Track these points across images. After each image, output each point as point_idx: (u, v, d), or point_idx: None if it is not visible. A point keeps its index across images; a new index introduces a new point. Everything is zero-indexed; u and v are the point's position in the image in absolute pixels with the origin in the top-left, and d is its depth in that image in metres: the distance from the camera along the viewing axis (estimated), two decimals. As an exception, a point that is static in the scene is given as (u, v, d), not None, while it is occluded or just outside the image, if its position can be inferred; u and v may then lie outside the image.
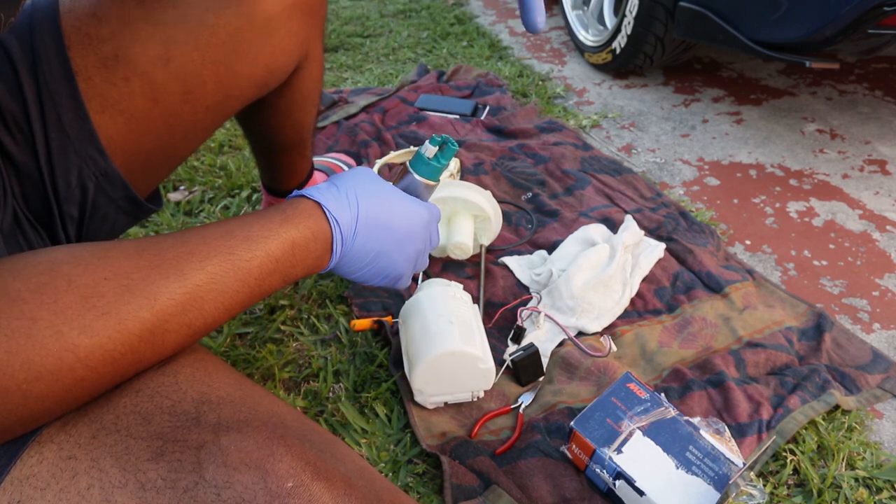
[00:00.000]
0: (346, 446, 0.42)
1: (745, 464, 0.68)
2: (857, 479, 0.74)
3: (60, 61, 0.54)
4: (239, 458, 0.34)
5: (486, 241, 1.06)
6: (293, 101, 0.82)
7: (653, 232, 1.13)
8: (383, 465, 0.75)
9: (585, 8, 1.95)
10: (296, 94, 0.81)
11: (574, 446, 0.72)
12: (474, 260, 1.06)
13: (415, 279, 1.01)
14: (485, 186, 1.24)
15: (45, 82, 0.54)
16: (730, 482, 0.66)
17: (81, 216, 0.61)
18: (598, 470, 0.69)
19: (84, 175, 0.58)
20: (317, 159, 1.26)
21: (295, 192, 0.51)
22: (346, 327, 0.94)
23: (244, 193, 1.26)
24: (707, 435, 0.71)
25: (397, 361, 0.86)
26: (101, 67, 0.56)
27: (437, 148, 0.59)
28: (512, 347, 0.88)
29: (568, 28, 2.00)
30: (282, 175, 1.00)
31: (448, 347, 0.74)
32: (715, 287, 1.00)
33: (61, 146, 0.56)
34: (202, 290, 0.40)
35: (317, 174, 1.16)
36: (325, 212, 0.50)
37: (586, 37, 1.91)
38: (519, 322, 0.90)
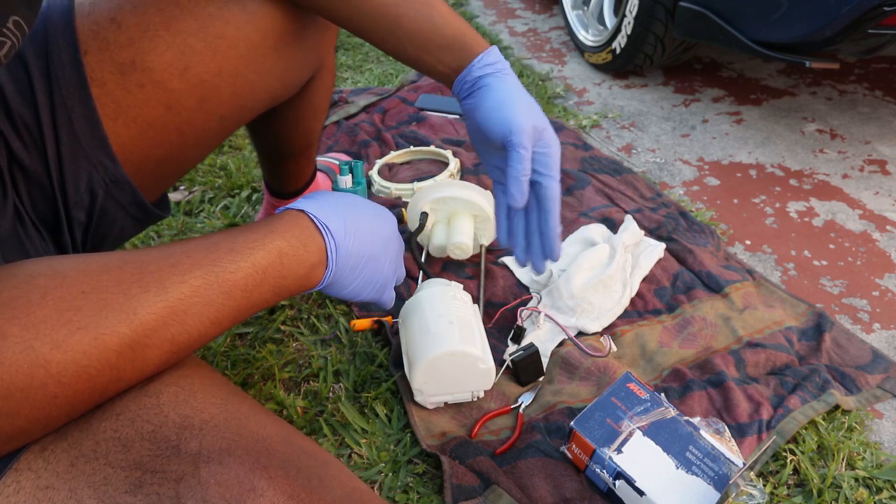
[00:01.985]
0: (339, 465, 0.41)
1: (745, 464, 0.68)
2: (857, 479, 0.74)
3: (74, 66, 0.54)
4: (219, 493, 0.33)
5: (486, 241, 1.06)
6: (304, 109, 0.82)
7: (653, 232, 1.13)
8: (383, 465, 0.75)
9: (585, 8, 1.95)
10: (307, 104, 0.81)
11: (574, 446, 0.72)
12: (474, 260, 1.06)
13: (413, 277, 1.01)
14: (485, 186, 1.24)
15: (58, 87, 0.54)
16: (730, 482, 0.66)
17: (89, 221, 0.60)
18: (598, 470, 0.69)
19: (94, 181, 0.58)
20: (317, 159, 1.26)
21: (279, 209, 0.51)
22: (346, 327, 0.94)
23: (244, 193, 1.26)
24: (707, 435, 0.71)
25: (397, 361, 0.86)
26: (116, 73, 0.55)
27: (349, 175, 0.62)
28: (512, 347, 0.88)
29: (568, 28, 2.00)
30: (287, 179, 1.00)
31: (448, 347, 0.74)
32: (715, 287, 1.00)
33: (72, 151, 0.56)
34: (185, 303, 0.39)
35: (318, 174, 1.16)
36: (312, 220, 0.50)
37: (586, 37, 1.91)
38: (519, 322, 0.90)
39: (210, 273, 0.41)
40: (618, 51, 1.72)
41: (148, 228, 1.16)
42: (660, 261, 1.05)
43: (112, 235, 0.64)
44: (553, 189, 0.63)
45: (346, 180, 0.63)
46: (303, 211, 0.50)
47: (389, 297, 0.63)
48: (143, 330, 0.37)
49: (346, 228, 0.51)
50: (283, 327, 0.95)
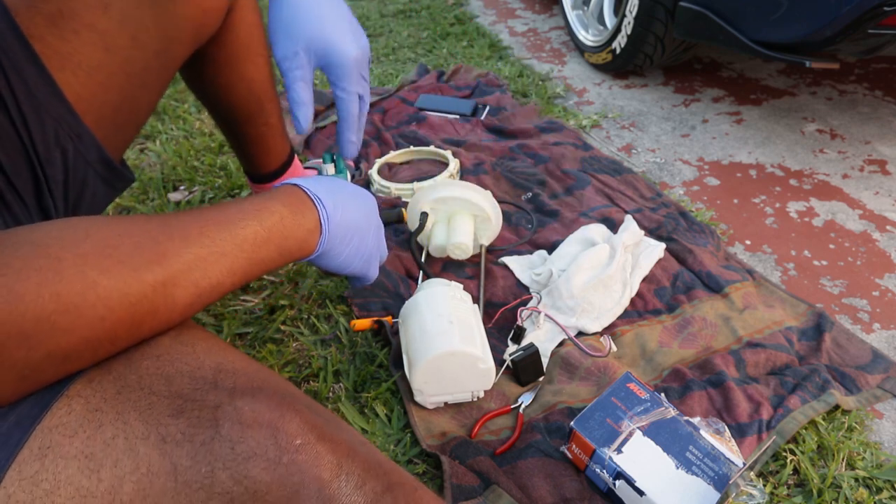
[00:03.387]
0: (348, 424, 0.45)
1: (745, 464, 0.68)
2: (857, 479, 0.74)
3: (11, 28, 0.56)
4: (252, 417, 0.37)
5: (486, 241, 1.06)
6: (234, 50, 0.85)
7: (653, 232, 1.13)
8: (383, 465, 0.75)
9: (585, 8, 1.95)
10: (234, 43, 0.84)
11: (574, 446, 0.72)
12: (474, 260, 1.06)
13: (413, 277, 1.01)
14: (485, 186, 1.24)
15: (3, 51, 0.56)
16: (730, 482, 0.66)
17: (65, 180, 0.63)
18: (598, 470, 0.69)
19: (61, 136, 0.61)
20: (316, 161, 1.26)
21: (276, 185, 0.56)
22: (346, 327, 0.94)
23: (244, 193, 1.26)
24: (707, 435, 0.71)
25: (397, 361, 0.86)
26: (49, 25, 0.58)
27: (332, 163, 0.69)
28: (512, 347, 0.88)
29: (568, 28, 2.00)
30: (256, 153, 1.00)
31: (448, 347, 0.74)
32: (715, 287, 1.00)
33: (34, 111, 0.58)
34: (204, 251, 0.44)
35: (310, 172, 1.16)
36: (306, 192, 0.54)
37: (586, 37, 1.91)
38: (519, 322, 0.90)
39: (224, 228, 0.46)
40: (618, 51, 1.72)
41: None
42: (660, 261, 1.05)
43: (86, 199, 0.67)
44: (345, 101, 0.70)
45: (329, 168, 0.70)
46: (297, 185, 0.55)
47: (374, 273, 0.67)
48: (172, 270, 0.42)
49: (334, 202, 0.56)
50: (283, 327, 0.95)
